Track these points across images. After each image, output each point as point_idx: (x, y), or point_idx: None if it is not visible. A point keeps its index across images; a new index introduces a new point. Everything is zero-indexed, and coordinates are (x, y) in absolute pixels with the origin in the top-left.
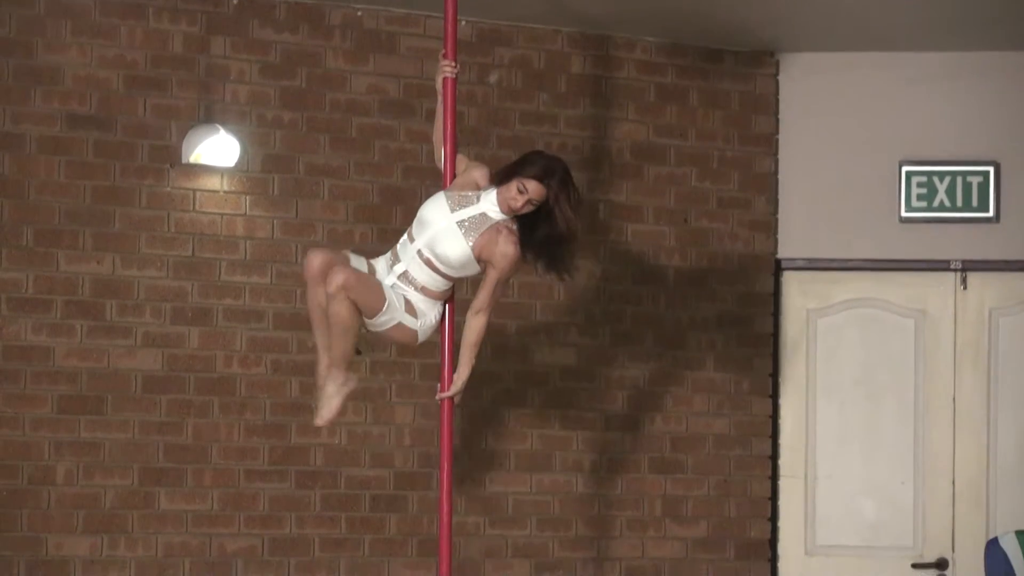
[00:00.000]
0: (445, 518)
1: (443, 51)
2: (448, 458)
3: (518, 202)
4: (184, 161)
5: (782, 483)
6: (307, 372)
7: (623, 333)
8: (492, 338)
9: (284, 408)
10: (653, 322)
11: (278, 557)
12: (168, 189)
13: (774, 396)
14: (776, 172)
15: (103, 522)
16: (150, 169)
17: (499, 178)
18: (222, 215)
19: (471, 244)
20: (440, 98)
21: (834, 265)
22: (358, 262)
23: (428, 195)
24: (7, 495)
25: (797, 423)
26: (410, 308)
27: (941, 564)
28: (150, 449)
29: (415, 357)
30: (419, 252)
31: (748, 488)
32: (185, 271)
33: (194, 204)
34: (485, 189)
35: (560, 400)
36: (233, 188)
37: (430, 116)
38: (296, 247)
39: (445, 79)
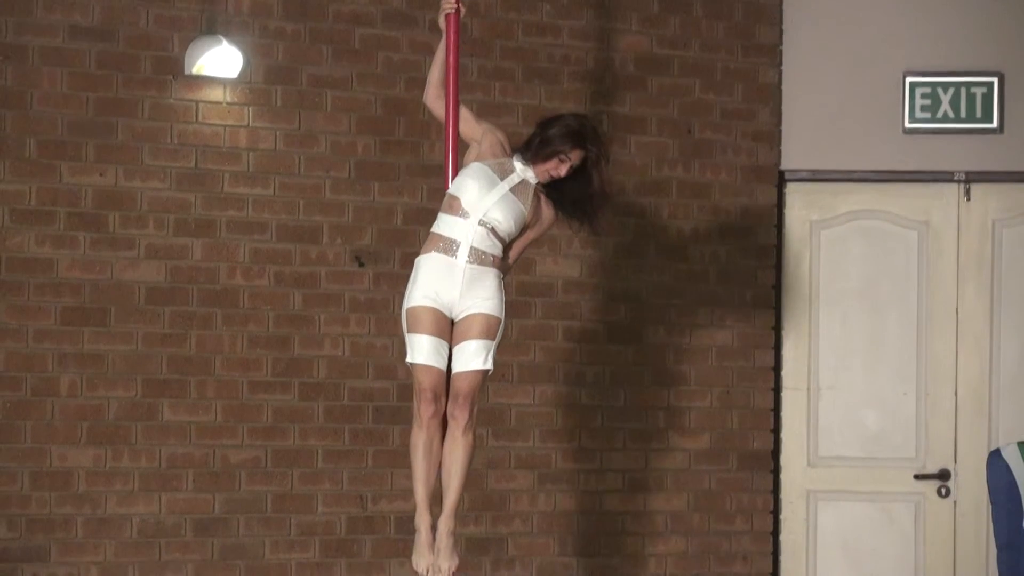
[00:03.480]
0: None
1: None
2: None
3: (562, 171)
4: (187, 72)
5: (784, 395)
6: (310, 284)
7: (626, 245)
8: None
9: (287, 320)
10: (656, 234)
11: (281, 468)
12: (171, 101)
13: (777, 308)
14: (780, 83)
15: (107, 434)
16: (153, 81)
17: (531, 154)
18: (225, 126)
19: (526, 209)
20: (443, 36)
21: (837, 176)
22: (440, 348)
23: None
24: (11, 407)
25: (799, 335)
26: (491, 329)
27: (943, 475)
28: (153, 361)
29: None
30: (480, 222)
31: (751, 400)
32: (188, 183)
33: (197, 116)
34: (513, 156)
35: (563, 312)
36: (236, 100)
37: (433, 27)
38: (299, 158)
39: (448, 16)
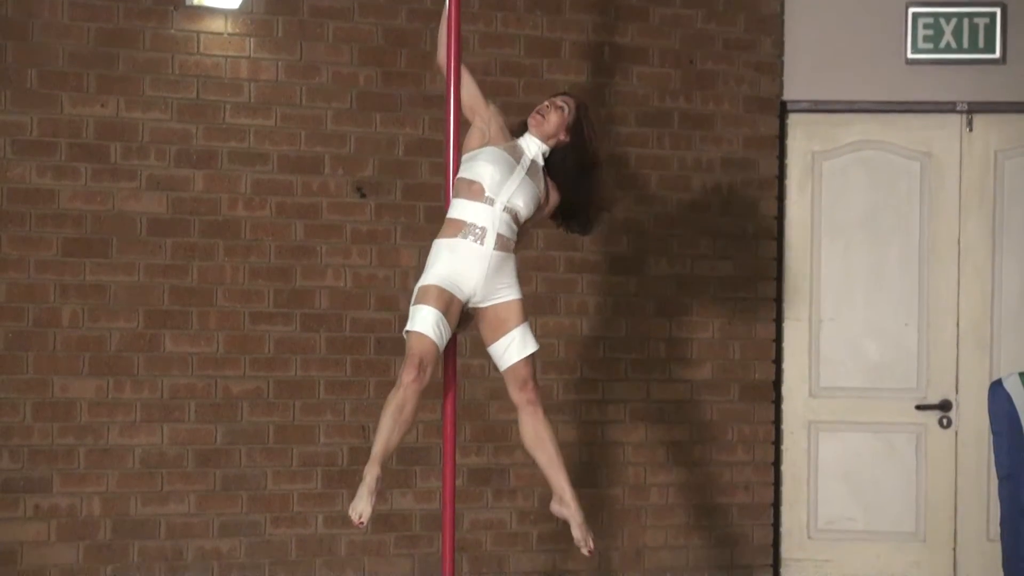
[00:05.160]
0: (450, 360)
1: None
2: None
3: (544, 104)
4: (188, 3)
5: (786, 325)
6: (311, 215)
7: (628, 176)
8: None
9: (289, 251)
10: (658, 164)
11: (283, 399)
12: (172, 31)
13: (779, 238)
14: (782, 13)
15: (109, 364)
16: (154, 11)
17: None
18: (226, 57)
19: (540, 191)
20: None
21: (839, 107)
22: (440, 323)
23: (433, 39)
24: (12, 337)
25: (802, 265)
26: (523, 311)
27: (944, 405)
28: (155, 292)
29: (420, 200)
30: (505, 208)
31: (752, 330)
32: (189, 113)
33: (198, 46)
34: (517, 137)
35: (564, 243)
36: (237, 30)
37: None
38: (300, 89)
39: None
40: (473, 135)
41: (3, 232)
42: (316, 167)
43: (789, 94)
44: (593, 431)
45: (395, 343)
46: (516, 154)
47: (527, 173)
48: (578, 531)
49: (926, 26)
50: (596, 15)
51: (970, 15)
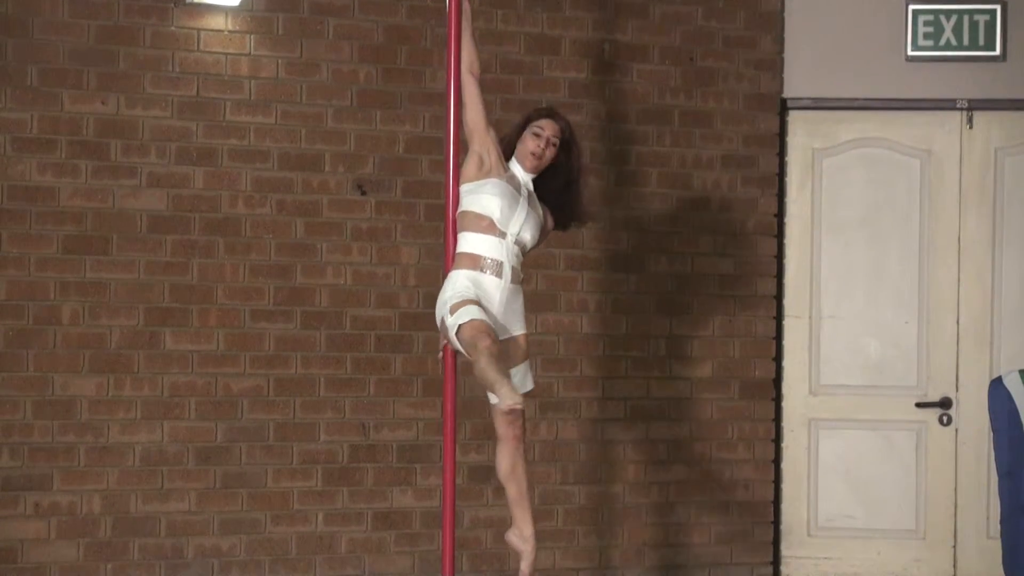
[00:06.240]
0: (450, 360)
1: None
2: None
3: (539, 144)
4: (188, 0)
5: (786, 323)
6: (312, 213)
7: (628, 173)
8: None
9: (289, 248)
10: (658, 162)
11: (284, 397)
12: (172, 28)
13: (779, 236)
14: (783, 11)
15: (109, 362)
16: (154, 8)
17: (515, 151)
18: (226, 55)
19: (541, 219)
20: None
21: (840, 104)
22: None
23: (433, 36)
24: (13, 335)
25: (802, 263)
26: (527, 349)
27: (945, 403)
28: (155, 289)
29: (420, 197)
30: (515, 241)
31: (752, 328)
32: (190, 111)
33: (198, 44)
34: (511, 165)
35: (565, 240)
36: (237, 27)
37: None
38: (301, 87)
39: None
40: (471, 161)
41: (3, 229)
42: (316, 164)
43: (789, 91)
44: (593, 429)
45: (395, 340)
46: (515, 184)
47: (529, 204)
48: (527, 568)
49: (926, 23)
50: (596, 12)
51: (970, 12)
